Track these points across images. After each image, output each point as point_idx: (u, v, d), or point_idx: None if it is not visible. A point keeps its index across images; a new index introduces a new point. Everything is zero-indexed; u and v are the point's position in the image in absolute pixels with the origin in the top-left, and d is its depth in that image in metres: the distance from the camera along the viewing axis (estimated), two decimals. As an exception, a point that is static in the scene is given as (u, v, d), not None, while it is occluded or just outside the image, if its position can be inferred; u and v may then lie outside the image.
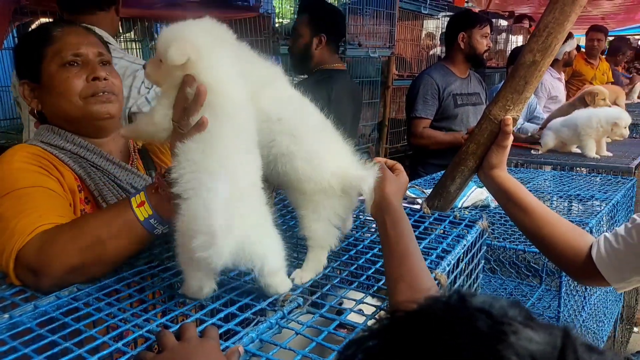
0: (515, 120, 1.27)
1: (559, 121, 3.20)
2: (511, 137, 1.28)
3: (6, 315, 0.91)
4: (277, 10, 4.53)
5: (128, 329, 0.87)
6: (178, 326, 0.84)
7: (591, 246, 1.19)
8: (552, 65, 4.29)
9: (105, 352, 0.80)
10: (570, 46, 4.50)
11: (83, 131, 1.30)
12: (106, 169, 1.29)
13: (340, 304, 0.99)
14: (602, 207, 1.98)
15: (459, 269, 1.18)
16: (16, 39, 2.77)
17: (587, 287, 2.02)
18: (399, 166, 1.19)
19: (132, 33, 3.42)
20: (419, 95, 3.10)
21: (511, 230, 1.81)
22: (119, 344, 0.82)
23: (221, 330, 0.86)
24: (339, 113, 2.67)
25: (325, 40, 2.70)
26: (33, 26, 2.50)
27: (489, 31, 3.15)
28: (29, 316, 0.92)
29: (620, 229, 1.16)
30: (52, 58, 1.27)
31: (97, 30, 1.88)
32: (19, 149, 1.25)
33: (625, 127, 2.97)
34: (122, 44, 3.32)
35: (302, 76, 2.97)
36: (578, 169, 3.02)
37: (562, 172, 2.76)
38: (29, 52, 1.31)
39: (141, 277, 1.08)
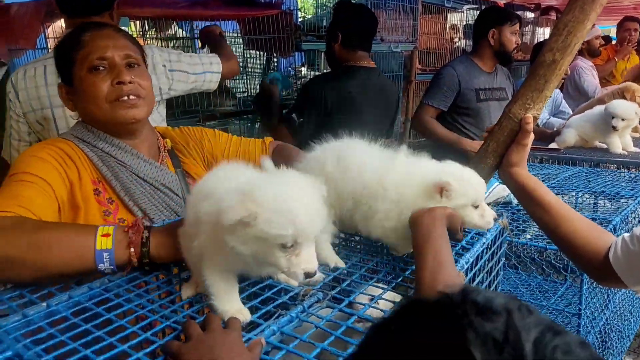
0: (535, 118, 1.27)
1: (579, 117, 3.15)
2: (532, 136, 1.28)
3: (44, 304, 0.96)
4: (299, 6, 4.55)
5: (156, 319, 0.92)
6: (203, 317, 0.88)
7: (610, 247, 1.18)
8: (581, 55, 4.24)
9: (134, 341, 0.85)
10: (588, 35, 4.43)
11: (113, 132, 1.35)
12: (134, 166, 1.34)
13: (360, 299, 1.01)
14: (628, 204, 1.95)
15: (478, 267, 1.19)
16: (48, 40, 2.86)
17: (610, 285, 2.00)
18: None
19: (153, 31, 3.49)
20: (437, 84, 3.12)
21: (534, 228, 1.80)
22: (148, 334, 0.86)
23: (244, 323, 0.89)
24: (353, 107, 2.70)
25: (340, 37, 2.76)
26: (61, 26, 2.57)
27: (518, 28, 3.12)
28: (64, 305, 0.97)
29: (637, 230, 1.15)
30: (81, 63, 1.31)
31: None
32: (53, 142, 1.33)
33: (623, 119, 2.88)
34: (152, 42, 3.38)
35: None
36: (606, 165, 2.97)
37: (588, 169, 2.72)
38: (62, 57, 1.36)
39: (168, 269, 1.12)
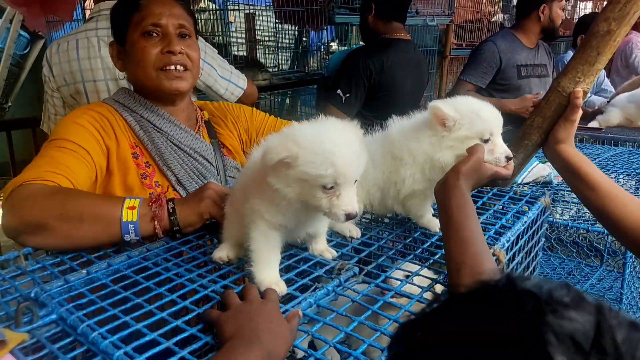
0: (585, 93, 1.21)
1: (625, 96, 3.00)
2: (580, 111, 1.22)
3: (84, 271, 0.99)
4: (332, -22, 4.45)
5: (194, 288, 0.92)
6: (241, 287, 0.88)
7: None
8: (634, 29, 4.00)
9: (173, 309, 0.86)
10: None
11: (154, 98, 1.39)
12: (171, 133, 1.38)
13: (396, 274, 1.00)
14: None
15: (518, 246, 1.16)
16: (84, 11, 2.88)
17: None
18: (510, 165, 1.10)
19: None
20: (476, 59, 3.02)
21: (575, 209, 1.74)
22: (187, 302, 0.87)
23: (280, 295, 0.89)
24: (393, 81, 2.65)
25: (374, 9, 2.71)
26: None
27: (565, 3, 3.00)
28: (104, 273, 0.99)
29: None
30: (135, 26, 1.34)
31: None
32: (94, 106, 1.37)
33: None
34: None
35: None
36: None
37: (632, 149, 2.61)
38: (118, 16, 1.39)
39: (204, 240, 1.13)
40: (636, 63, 4.10)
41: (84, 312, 0.85)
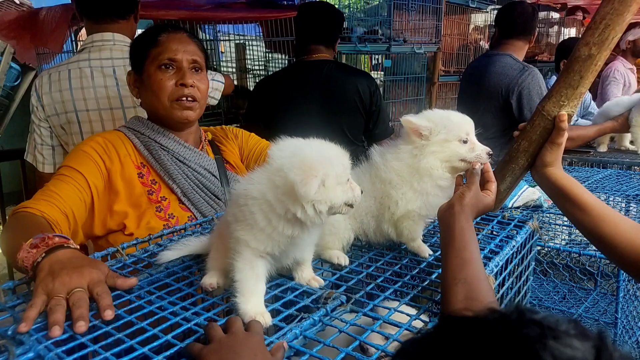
0: (570, 116, 1.22)
1: (610, 104, 3.04)
2: (566, 134, 1.22)
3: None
4: (321, 9, 4.53)
5: (177, 321, 0.90)
6: (225, 320, 0.86)
7: None
8: (625, 56, 4.05)
9: (155, 343, 0.83)
10: (633, 35, 4.23)
11: (165, 124, 1.54)
12: (176, 151, 1.53)
13: (385, 303, 0.98)
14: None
15: (507, 271, 1.14)
16: (74, 42, 2.90)
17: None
18: (493, 187, 1.14)
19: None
20: (541, 94, 2.72)
21: (567, 232, 1.74)
22: (169, 336, 0.84)
23: (264, 327, 0.87)
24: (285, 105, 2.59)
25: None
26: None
27: None
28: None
29: None
30: (153, 59, 1.49)
31: (118, 36, 2.01)
32: (105, 133, 1.54)
33: None
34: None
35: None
36: (636, 168, 2.87)
37: (620, 171, 2.63)
38: (138, 49, 1.53)
39: (190, 271, 1.11)
40: (607, 90, 4.12)
41: (63, 348, 0.82)
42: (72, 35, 2.97)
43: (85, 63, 1.95)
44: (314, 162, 0.87)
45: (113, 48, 1.99)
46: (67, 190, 1.35)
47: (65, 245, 1.05)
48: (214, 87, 2.38)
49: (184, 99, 1.48)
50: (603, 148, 3.05)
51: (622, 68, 4.10)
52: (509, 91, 2.77)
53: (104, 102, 1.94)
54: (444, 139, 1.12)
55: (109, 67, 1.96)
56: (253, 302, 0.90)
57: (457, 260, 0.94)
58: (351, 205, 0.95)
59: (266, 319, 0.88)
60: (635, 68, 4.45)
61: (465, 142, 1.14)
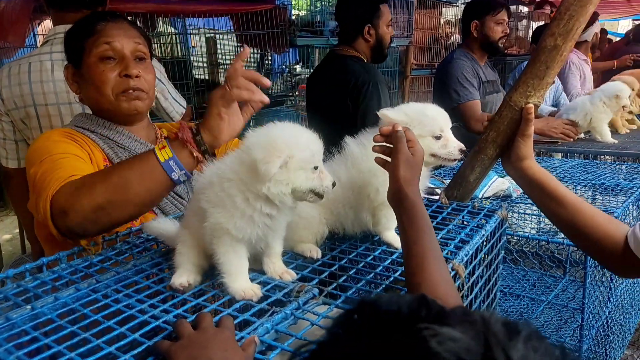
0: (536, 106, 1.24)
1: (566, 110, 3.14)
2: (533, 126, 1.25)
3: (28, 307, 0.92)
4: (293, 2, 4.52)
5: (146, 319, 0.88)
6: (195, 316, 0.84)
7: (627, 237, 1.13)
8: (578, 47, 4.14)
9: (123, 342, 0.81)
10: (597, 27, 4.35)
11: (113, 119, 1.41)
12: (132, 149, 1.41)
13: (358, 294, 0.98)
14: (629, 196, 1.92)
15: (477, 260, 1.16)
16: (36, 36, 2.81)
17: (613, 278, 1.97)
18: (412, 136, 1.06)
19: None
20: (460, 78, 2.91)
21: (536, 221, 1.77)
22: (136, 335, 0.82)
23: (237, 321, 0.86)
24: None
25: None
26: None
27: (504, 17, 3.00)
28: (50, 307, 0.93)
29: None
30: (90, 50, 1.36)
31: None
32: (55, 130, 1.40)
33: (626, 98, 2.90)
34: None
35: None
36: (602, 157, 2.96)
37: (586, 161, 2.69)
38: (74, 40, 1.40)
39: (159, 268, 1.09)
40: (568, 82, 4.17)
41: (25, 350, 0.79)
42: (35, 28, 2.88)
43: (47, 56, 1.89)
44: (279, 142, 0.89)
45: None
46: (82, 164, 1.25)
47: None
48: (176, 110, 2.31)
49: (131, 90, 1.36)
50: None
51: (577, 60, 4.20)
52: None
53: (63, 96, 1.87)
54: (419, 134, 1.13)
55: None
56: (241, 280, 0.93)
57: (412, 260, 0.93)
58: (320, 195, 0.95)
59: (257, 292, 0.92)
60: (589, 59, 4.58)
61: (438, 137, 1.15)
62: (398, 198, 1.00)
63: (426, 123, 1.14)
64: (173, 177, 1.12)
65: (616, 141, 2.95)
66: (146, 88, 1.40)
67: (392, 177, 1.02)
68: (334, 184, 0.97)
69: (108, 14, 1.43)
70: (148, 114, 1.52)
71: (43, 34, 2.82)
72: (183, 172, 1.13)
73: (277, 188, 0.90)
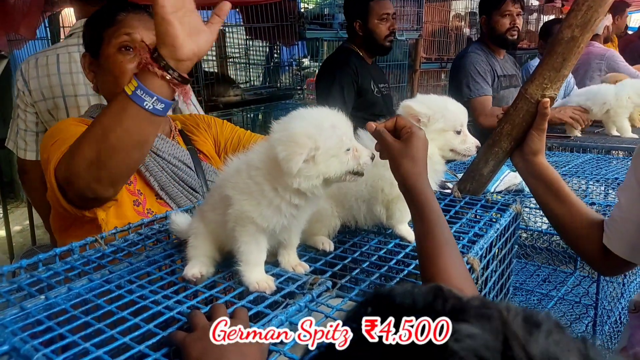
0: (552, 99, 1.22)
1: (582, 93, 3.08)
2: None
3: (42, 297, 0.93)
4: (302, -5, 4.50)
5: (159, 310, 0.88)
6: (209, 307, 0.84)
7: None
8: (593, 40, 4.09)
9: (137, 333, 0.81)
10: (608, 20, 4.28)
11: None
12: None
13: (371, 288, 0.97)
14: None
15: (491, 254, 1.15)
16: (47, 29, 2.81)
17: (626, 274, 1.95)
18: (407, 122, 0.99)
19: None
20: (473, 72, 2.91)
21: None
22: (150, 325, 0.82)
23: (251, 313, 0.85)
24: None
25: None
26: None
27: (509, 8, 2.96)
28: (64, 298, 0.94)
29: (615, 209, 1.15)
30: (109, 40, 1.34)
31: None
32: (69, 119, 1.41)
33: None
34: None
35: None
36: (615, 152, 2.91)
37: (599, 156, 2.66)
38: (93, 30, 1.38)
39: (172, 260, 1.08)
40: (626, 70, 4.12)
41: (40, 340, 0.79)
42: (46, 21, 2.88)
43: (75, 48, 1.92)
44: (301, 137, 0.86)
45: None
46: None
47: None
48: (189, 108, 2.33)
49: None
50: (576, 133, 3.06)
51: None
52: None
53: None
54: (442, 128, 1.13)
55: None
56: (257, 271, 0.93)
57: (425, 254, 0.92)
58: (360, 174, 0.95)
59: (270, 285, 0.91)
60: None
61: (459, 132, 1.15)
62: (410, 195, 0.97)
63: (449, 117, 1.13)
64: (146, 106, 1.04)
65: (637, 136, 2.89)
66: None
67: (396, 176, 0.98)
68: (372, 157, 0.95)
69: (129, 4, 1.41)
70: None
71: (68, 26, 2.81)
72: (155, 98, 1.04)
73: (308, 183, 0.88)
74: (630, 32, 5.51)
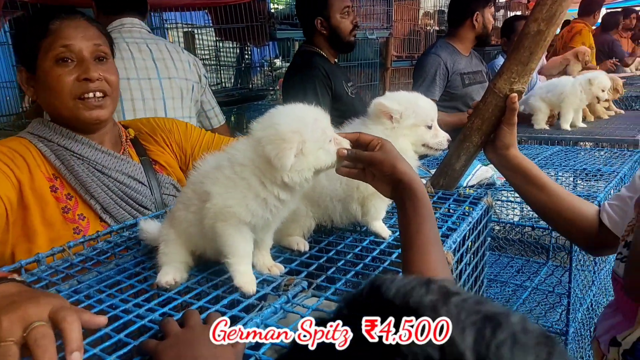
0: (520, 93, 1.24)
1: (544, 86, 3.18)
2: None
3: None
4: (272, -5, 4.48)
5: (131, 319, 0.85)
6: (181, 314, 0.82)
7: (600, 216, 1.21)
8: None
9: (108, 343, 0.78)
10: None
11: (72, 126, 1.29)
12: (93, 159, 1.28)
13: (347, 286, 0.97)
14: (609, 181, 1.95)
15: (464, 247, 1.15)
16: (8, 33, 2.71)
17: (596, 261, 2.00)
18: (370, 136, 1.00)
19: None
20: (427, 75, 2.99)
21: (519, 208, 1.79)
22: (121, 335, 0.79)
23: (226, 317, 0.83)
24: None
25: None
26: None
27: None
28: (30, 310, 0.90)
29: (623, 191, 1.19)
30: (45, 52, 1.24)
31: (136, 20, 2.09)
32: (6, 141, 1.26)
33: (603, 90, 2.95)
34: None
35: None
36: (582, 143, 2.99)
37: (567, 147, 2.73)
38: (25, 42, 1.27)
39: (142, 267, 1.06)
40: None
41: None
42: (7, 25, 2.79)
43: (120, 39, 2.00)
44: (287, 133, 0.87)
45: (141, 30, 2.14)
46: None
47: (9, 277, 0.83)
48: (215, 110, 2.41)
49: (91, 95, 1.25)
50: (540, 125, 3.14)
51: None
52: None
53: (143, 72, 2.03)
54: (413, 123, 1.15)
55: (142, 43, 2.09)
56: (245, 265, 0.93)
57: (414, 248, 0.91)
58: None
59: (253, 289, 0.90)
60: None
61: (430, 127, 1.17)
62: (402, 187, 0.95)
63: (420, 113, 1.15)
64: None
65: (569, 128, 2.99)
66: (109, 91, 1.29)
67: (394, 176, 0.96)
68: (351, 145, 0.97)
69: (63, 9, 1.30)
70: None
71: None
72: None
73: (300, 176, 0.89)
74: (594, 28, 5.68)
